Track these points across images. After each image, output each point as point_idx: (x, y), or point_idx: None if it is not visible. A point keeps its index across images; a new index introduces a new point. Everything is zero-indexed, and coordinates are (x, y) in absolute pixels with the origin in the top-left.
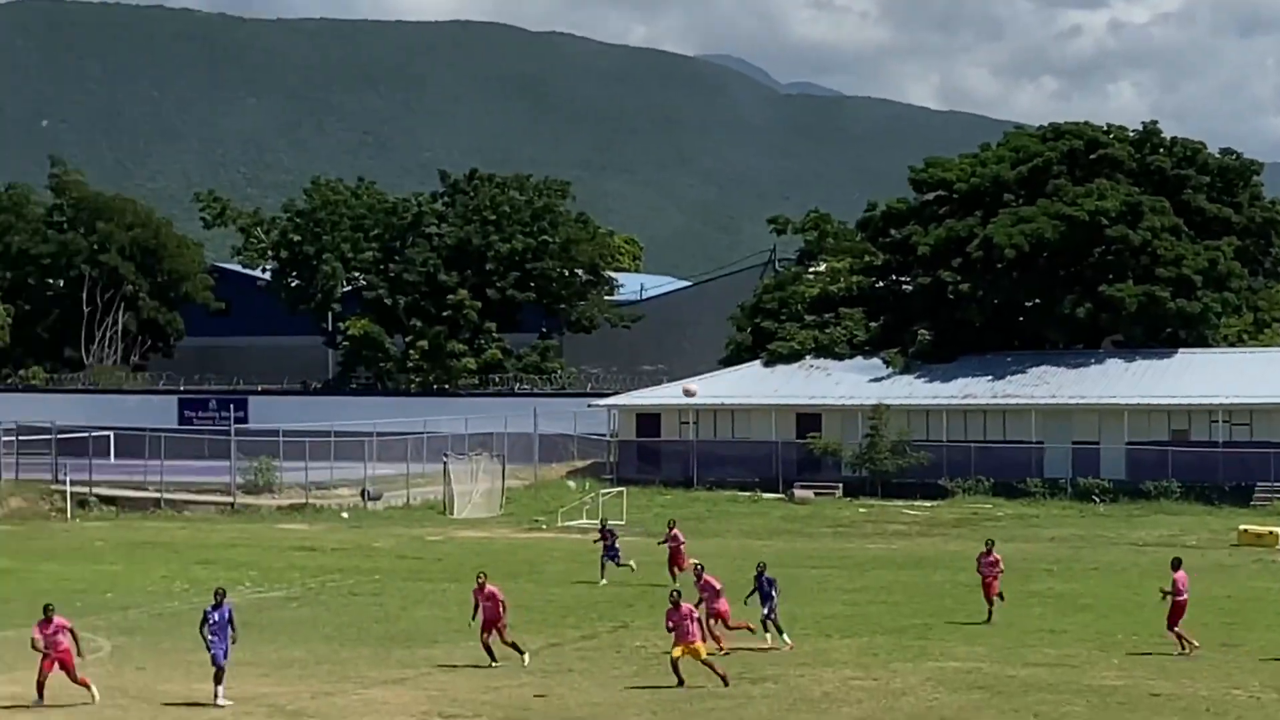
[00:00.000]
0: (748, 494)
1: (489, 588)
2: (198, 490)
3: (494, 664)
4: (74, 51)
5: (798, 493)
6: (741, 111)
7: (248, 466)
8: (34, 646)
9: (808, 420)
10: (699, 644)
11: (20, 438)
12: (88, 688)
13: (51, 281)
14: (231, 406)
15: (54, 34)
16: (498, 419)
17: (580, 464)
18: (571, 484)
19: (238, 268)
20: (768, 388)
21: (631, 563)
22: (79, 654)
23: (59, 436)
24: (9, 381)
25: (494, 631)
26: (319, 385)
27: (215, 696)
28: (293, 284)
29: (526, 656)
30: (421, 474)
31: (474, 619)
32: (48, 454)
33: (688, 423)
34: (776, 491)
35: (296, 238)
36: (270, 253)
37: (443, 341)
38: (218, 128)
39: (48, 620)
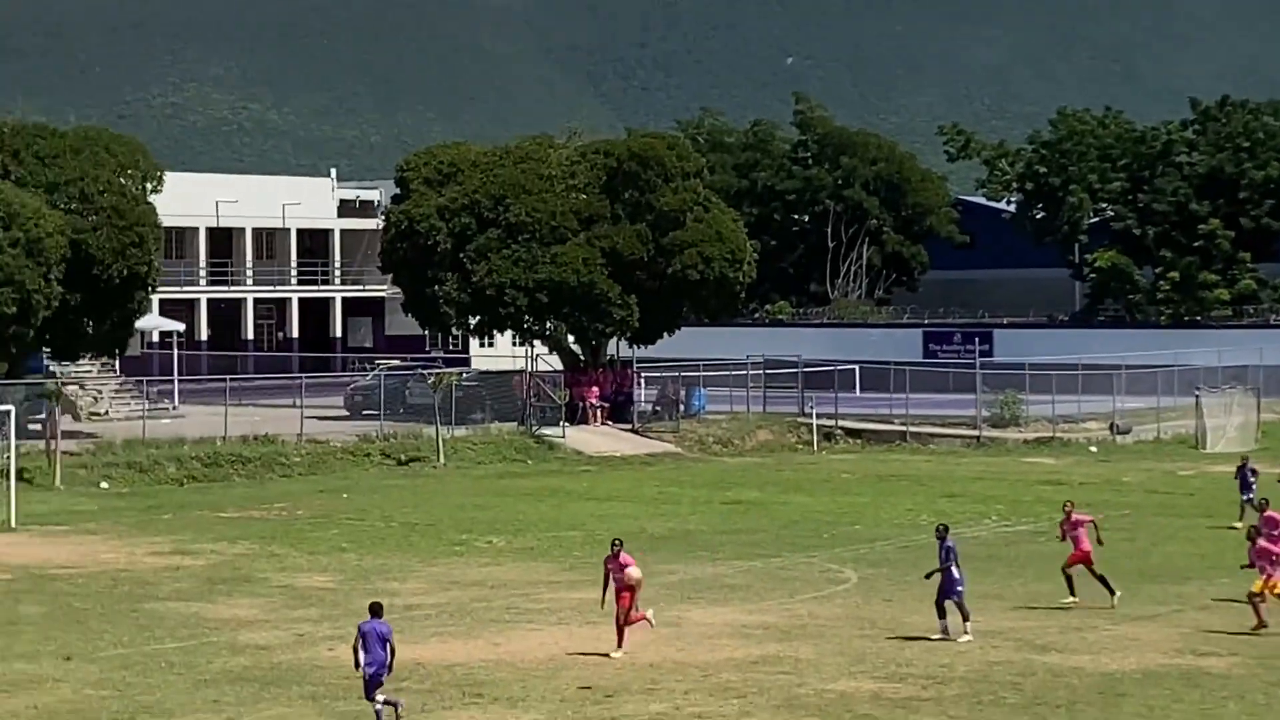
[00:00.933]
0: None
1: (1075, 515)
2: (942, 424)
3: (1073, 598)
4: None
5: None
6: None
7: (993, 400)
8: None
9: None
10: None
11: (767, 371)
12: (622, 634)
13: (796, 217)
14: (976, 339)
15: None
16: (1252, 351)
17: None
18: None
19: (982, 200)
20: None
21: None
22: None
23: (805, 370)
24: (756, 316)
25: (1081, 561)
26: (1065, 318)
27: (943, 630)
28: (1038, 216)
29: (1116, 597)
30: (1172, 407)
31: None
32: (794, 387)
33: None
34: None
35: (1042, 169)
36: (1015, 185)
37: (1194, 272)
38: (961, 60)
39: (614, 555)
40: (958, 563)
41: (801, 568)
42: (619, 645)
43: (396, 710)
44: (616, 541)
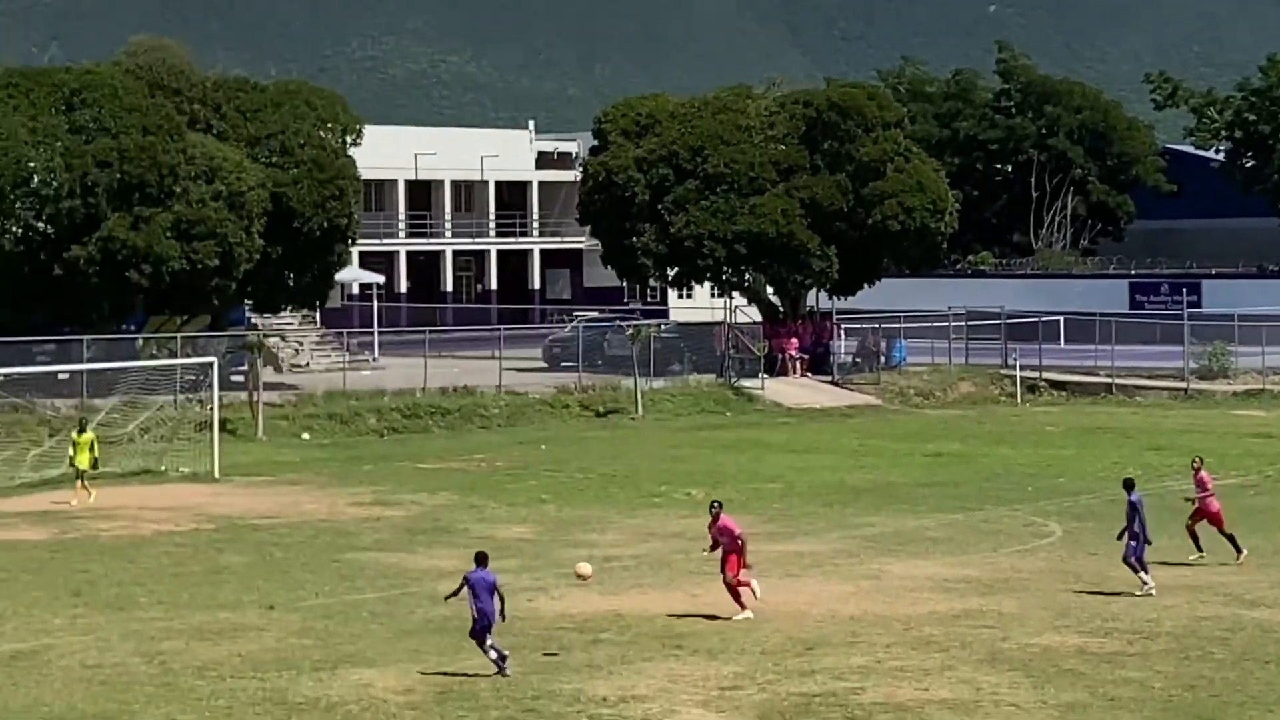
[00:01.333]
0: None
1: (1201, 474)
2: (1149, 375)
3: (1199, 555)
4: None
5: None
6: None
7: (1201, 351)
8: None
9: None
10: None
11: (970, 323)
12: (740, 593)
13: (999, 167)
14: (1184, 290)
15: None
16: None
17: None
18: None
19: (1189, 149)
20: None
21: None
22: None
23: (1008, 321)
24: (958, 267)
25: (1204, 518)
26: (1275, 268)
27: (1142, 585)
28: (1247, 165)
29: (1243, 555)
30: None
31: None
32: (997, 339)
33: None
34: None
35: (1251, 117)
36: (1224, 133)
37: None
38: (1169, 7)
39: (714, 519)
40: (1142, 518)
41: (1005, 521)
42: (741, 607)
43: (503, 665)
44: (715, 504)
